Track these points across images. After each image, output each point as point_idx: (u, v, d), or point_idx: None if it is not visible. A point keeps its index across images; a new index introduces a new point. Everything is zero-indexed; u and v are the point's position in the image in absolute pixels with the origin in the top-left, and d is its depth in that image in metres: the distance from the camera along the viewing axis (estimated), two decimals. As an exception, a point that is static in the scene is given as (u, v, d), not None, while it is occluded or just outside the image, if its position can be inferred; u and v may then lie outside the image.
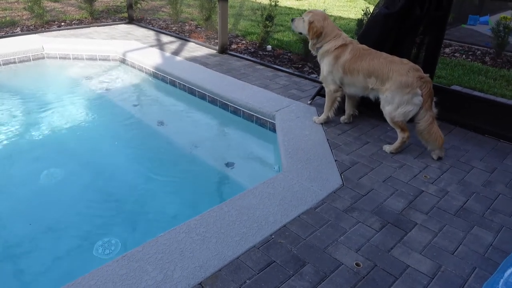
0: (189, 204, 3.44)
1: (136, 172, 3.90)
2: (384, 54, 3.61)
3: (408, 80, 3.40)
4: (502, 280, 1.94)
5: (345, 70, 3.72)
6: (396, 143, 3.65)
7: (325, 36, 3.80)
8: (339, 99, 3.97)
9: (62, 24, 7.94)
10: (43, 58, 6.28)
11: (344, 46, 3.73)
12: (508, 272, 1.99)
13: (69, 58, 6.32)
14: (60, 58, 6.32)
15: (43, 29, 7.43)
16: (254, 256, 2.43)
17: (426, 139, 3.57)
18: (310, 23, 3.79)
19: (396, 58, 3.54)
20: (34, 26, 7.62)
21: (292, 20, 4.03)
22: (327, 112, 4.04)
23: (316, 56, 4.03)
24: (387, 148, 3.69)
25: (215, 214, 2.73)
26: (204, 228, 2.61)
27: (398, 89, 3.44)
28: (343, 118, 4.17)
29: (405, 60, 3.54)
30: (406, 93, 3.42)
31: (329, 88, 3.94)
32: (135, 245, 2.46)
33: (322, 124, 4.10)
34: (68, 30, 7.41)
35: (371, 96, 3.73)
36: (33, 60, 6.19)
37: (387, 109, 3.58)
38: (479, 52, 7.18)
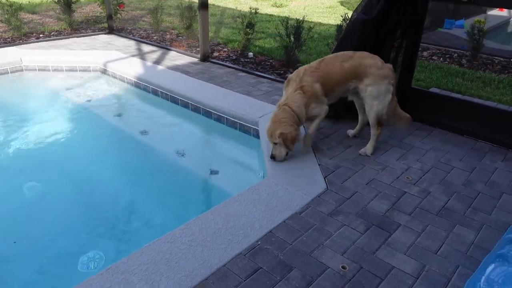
0: (174, 213, 3.41)
1: (120, 183, 3.86)
2: (341, 55, 3.66)
3: (387, 73, 3.55)
4: (483, 277, 1.98)
5: (327, 90, 3.61)
6: (373, 142, 3.73)
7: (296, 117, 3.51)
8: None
9: (41, 35, 7.84)
10: (22, 70, 6.18)
11: (301, 87, 3.52)
12: (489, 269, 2.04)
13: (49, 70, 6.24)
14: (39, 70, 6.23)
15: (21, 41, 7.32)
16: (241, 263, 2.42)
17: (393, 122, 3.80)
18: (285, 138, 3.41)
19: (365, 54, 3.63)
20: (12, 38, 7.50)
21: (274, 157, 3.52)
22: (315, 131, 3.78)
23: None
24: (367, 151, 3.73)
25: (200, 223, 2.72)
26: (189, 237, 2.59)
27: (380, 83, 3.53)
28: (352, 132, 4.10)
29: (366, 53, 3.64)
30: (387, 86, 3.56)
31: (323, 111, 3.65)
32: (120, 257, 2.43)
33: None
34: (47, 42, 7.32)
35: (349, 95, 3.81)
36: (11, 72, 6.09)
37: (375, 105, 3.58)
38: (456, 55, 7.36)
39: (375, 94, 3.56)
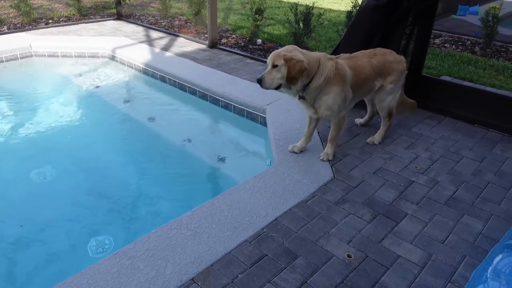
0: (180, 200, 3.43)
1: (127, 169, 3.88)
2: (366, 52, 3.43)
3: (404, 67, 3.52)
4: (490, 268, 1.96)
5: (354, 86, 3.23)
6: (382, 132, 3.69)
7: (310, 68, 2.96)
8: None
9: (50, 21, 7.84)
10: (31, 56, 6.20)
11: (337, 64, 3.11)
12: (497, 259, 2.01)
13: (58, 56, 6.25)
14: (49, 55, 6.25)
15: (30, 27, 7.33)
16: (246, 250, 2.43)
17: (400, 110, 3.79)
18: (289, 60, 2.84)
19: (382, 50, 3.49)
20: (21, 24, 7.51)
21: (261, 80, 2.93)
22: (336, 141, 3.40)
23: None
24: (375, 140, 3.68)
25: (206, 210, 2.73)
26: (195, 223, 2.61)
27: (399, 78, 3.50)
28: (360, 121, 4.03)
29: (383, 49, 3.50)
30: (402, 79, 3.54)
31: (341, 115, 3.25)
32: (128, 242, 2.45)
33: (329, 160, 3.39)
34: (56, 28, 7.32)
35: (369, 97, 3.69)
36: (20, 58, 6.11)
37: (387, 101, 3.54)
38: (468, 42, 7.20)
39: (392, 90, 3.51)
